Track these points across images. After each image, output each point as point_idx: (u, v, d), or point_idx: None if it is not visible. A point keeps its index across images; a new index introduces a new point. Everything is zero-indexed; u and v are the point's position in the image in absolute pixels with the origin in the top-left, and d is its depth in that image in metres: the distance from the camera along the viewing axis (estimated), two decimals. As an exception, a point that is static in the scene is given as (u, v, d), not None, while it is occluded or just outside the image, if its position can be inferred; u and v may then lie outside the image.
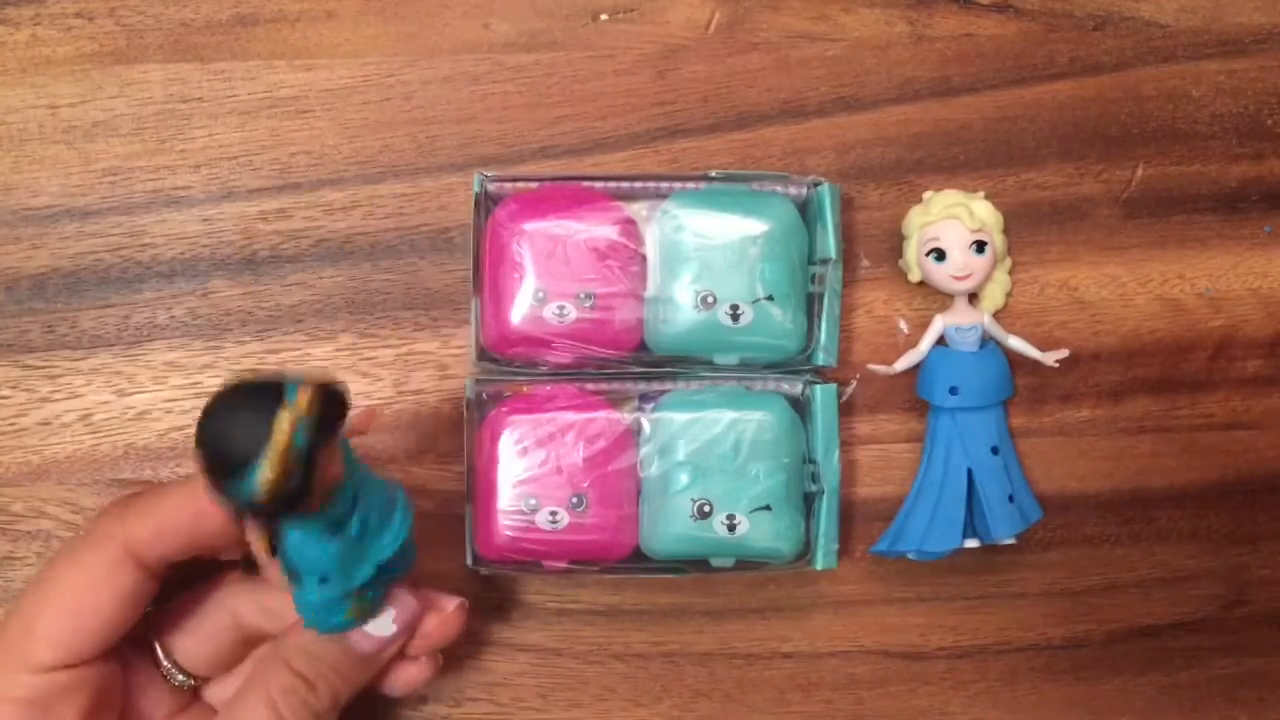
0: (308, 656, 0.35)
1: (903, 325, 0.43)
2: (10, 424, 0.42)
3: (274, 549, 0.31)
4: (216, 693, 0.38)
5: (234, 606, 0.37)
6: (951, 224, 0.41)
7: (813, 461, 0.41)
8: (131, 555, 0.34)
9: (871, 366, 0.42)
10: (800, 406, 0.41)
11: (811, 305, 0.41)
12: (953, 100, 0.43)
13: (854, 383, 0.43)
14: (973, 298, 0.42)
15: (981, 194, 0.42)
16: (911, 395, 0.43)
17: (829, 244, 0.41)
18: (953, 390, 0.41)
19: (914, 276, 0.42)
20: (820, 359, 0.41)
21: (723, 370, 0.41)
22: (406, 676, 0.38)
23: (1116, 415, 0.43)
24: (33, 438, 0.42)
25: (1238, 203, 0.44)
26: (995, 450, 0.41)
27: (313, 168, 0.43)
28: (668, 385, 0.41)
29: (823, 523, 0.41)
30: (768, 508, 0.39)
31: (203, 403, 0.41)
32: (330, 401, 0.28)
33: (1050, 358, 0.42)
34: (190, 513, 0.35)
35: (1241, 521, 0.44)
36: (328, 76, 0.43)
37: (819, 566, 0.41)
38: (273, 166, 0.43)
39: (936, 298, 0.43)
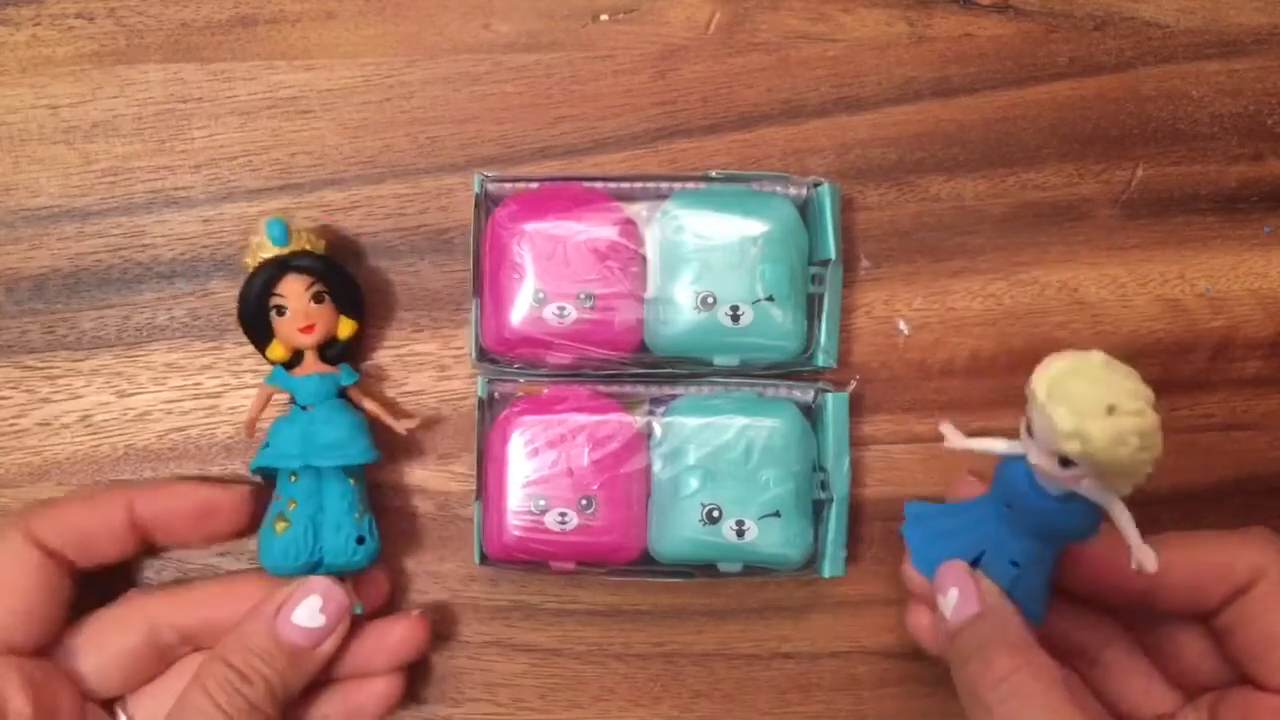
0: (242, 650, 0.36)
1: (902, 326, 0.43)
2: (10, 425, 0.42)
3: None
4: (136, 708, 0.39)
5: (150, 616, 0.39)
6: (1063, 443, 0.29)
7: (823, 469, 0.41)
8: (34, 540, 0.37)
9: (946, 429, 0.35)
10: (811, 414, 0.41)
11: (812, 306, 0.41)
12: (953, 100, 0.43)
13: (853, 383, 0.43)
14: None
15: (1140, 402, 0.29)
16: (912, 395, 0.43)
17: (829, 245, 0.41)
18: (1008, 505, 0.33)
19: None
20: (820, 360, 0.41)
21: (735, 376, 0.41)
22: (372, 692, 0.39)
23: (1116, 415, 0.43)
24: (33, 438, 0.42)
25: (1238, 203, 0.44)
26: (1015, 564, 0.34)
27: (313, 168, 0.43)
28: (679, 389, 0.41)
29: (831, 530, 0.41)
30: (777, 514, 0.39)
31: (202, 404, 0.43)
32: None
33: (1150, 560, 0.32)
34: (87, 507, 0.39)
35: (1241, 521, 0.43)
36: (328, 76, 0.43)
37: (826, 574, 0.41)
38: (273, 167, 0.43)
39: (939, 299, 0.43)
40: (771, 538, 0.39)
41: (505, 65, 0.43)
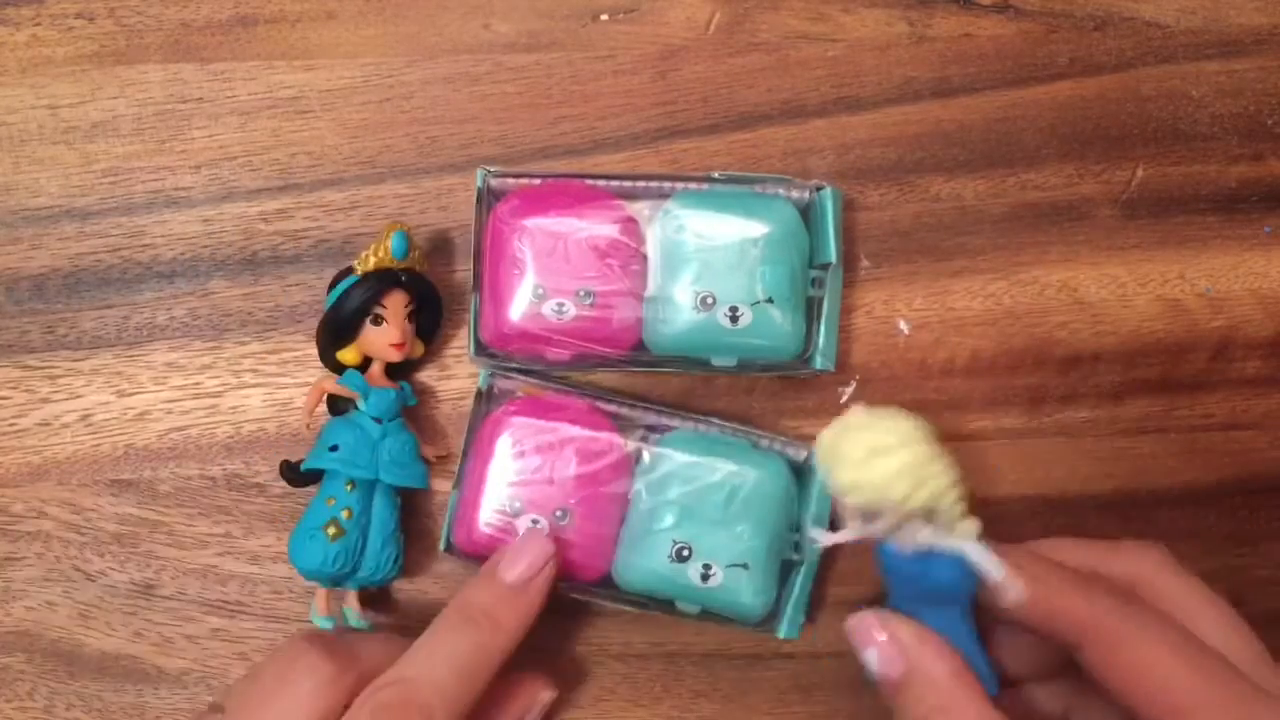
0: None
1: (902, 326, 0.43)
2: (10, 424, 0.42)
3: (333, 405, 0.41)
4: None
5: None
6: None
7: (798, 531, 0.40)
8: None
9: (815, 533, 0.35)
10: (800, 472, 0.40)
11: (811, 309, 0.41)
12: (953, 100, 0.43)
13: (852, 384, 0.43)
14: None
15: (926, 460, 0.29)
16: (912, 395, 0.43)
17: (830, 248, 0.41)
18: (894, 583, 0.32)
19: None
20: (818, 363, 0.41)
21: (733, 422, 0.41)
22: None
23: (1117, 415, 0.43)
24: (33, 438, 0.42)
25: (1238, 203, 0.44)
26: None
27: (313, 168, 0.43)
28: (676, 422, 0.41)
29: (795, 592, 0.40)
30: (745, 565, 0.39)
31: (203, 403, 0.43)
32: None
33: (1015, 591, 0.30)
34: None
35: (1241, 521, 0.44)
36: (328, 76, 0.43)
37: (782, 635, 0.40)
38: (273, 167, 0.43)
39: (939, 299, 0.43)
40: (735, 588, 0.39)
41: (505, 65, 0.43)
